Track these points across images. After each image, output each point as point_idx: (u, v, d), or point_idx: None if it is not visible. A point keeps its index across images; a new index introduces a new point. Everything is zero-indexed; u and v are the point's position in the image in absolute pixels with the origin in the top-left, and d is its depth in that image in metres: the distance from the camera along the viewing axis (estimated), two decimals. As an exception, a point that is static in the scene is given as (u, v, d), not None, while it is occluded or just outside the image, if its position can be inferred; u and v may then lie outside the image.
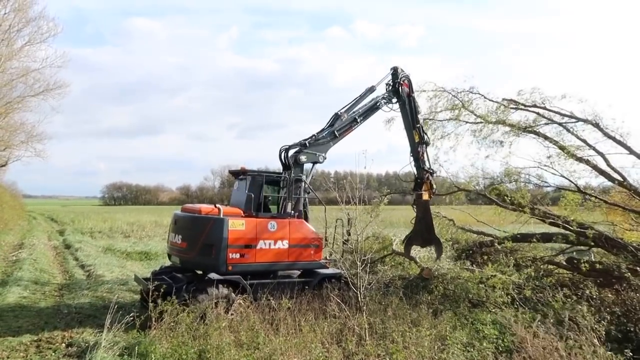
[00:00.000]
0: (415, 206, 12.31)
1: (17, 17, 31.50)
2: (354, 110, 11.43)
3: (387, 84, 12.03)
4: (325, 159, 10.97)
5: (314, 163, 10.91)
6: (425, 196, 12.01)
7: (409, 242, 12.16)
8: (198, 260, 9.77)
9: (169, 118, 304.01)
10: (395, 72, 12.01)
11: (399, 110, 12.18)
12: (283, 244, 10.12)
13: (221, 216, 9.69)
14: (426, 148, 12.26)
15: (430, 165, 12.29)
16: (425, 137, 12.26)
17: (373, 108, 11.68)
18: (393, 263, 13.02)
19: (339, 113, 11.22)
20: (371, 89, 11.75)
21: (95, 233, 29.65)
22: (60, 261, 18.52)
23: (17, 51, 32.08)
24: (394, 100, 12.06)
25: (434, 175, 12.44)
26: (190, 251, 9.78)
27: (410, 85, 12.18)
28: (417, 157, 12.11)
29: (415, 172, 12.21)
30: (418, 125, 12.14)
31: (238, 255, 9.63)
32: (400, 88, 11.91)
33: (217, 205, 10.07)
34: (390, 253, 13.15)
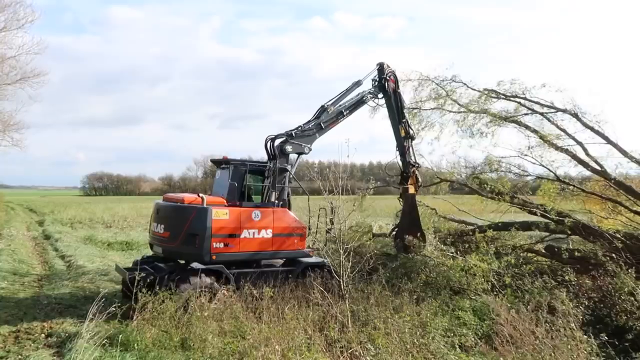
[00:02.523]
0: (401, 200, 12.50)
1: (-9, 3, 30.60)
2: (341, 103, 11.57)
3: (373, 79, 12.24)
4: (311, 150, 11.07)
5: (300, 154, 10.99)
6: (412, 190, 12.28)
7: (397, 236, 12.32)
8: (181, 249, 9.70)
9: (150, 108, 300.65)
10: (381, 67, 12.21)
11: (384, 105, 12.39)
12: (267, 233, 10.11)
13: (205, 205, 9.63)
14: (412, 142, 12.54)
15: (415, 159, 12.58)
16: (411, 131, 12.58)
17: (359, 102, 11.85)
18: (375, 251, 13.11)
19: (325, 106, 11.34)
20: (358, 83, 11.91)
21: (75, 223, 29.20)
22: (40, 252, 18.23)
23: (-9, 37, 31.18)
24: (380, 95, 12.28)
25: (419, 168, 12.65)
26: (173, 241, 9.69)
27: (396, 81, 12.42)
28: (403, 151, 12.39)
29: (401, 166, 12.49)
30: (404, 120, 12.42)
31: (222, 245, 9.58)
32: (386, 84, 12.14)
33: (200, 194, 10.00)
34: (370, 238, 13.29)
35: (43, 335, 8.29)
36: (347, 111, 11.54)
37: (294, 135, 10.75)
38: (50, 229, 25.23)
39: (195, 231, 9.44)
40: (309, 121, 11.21)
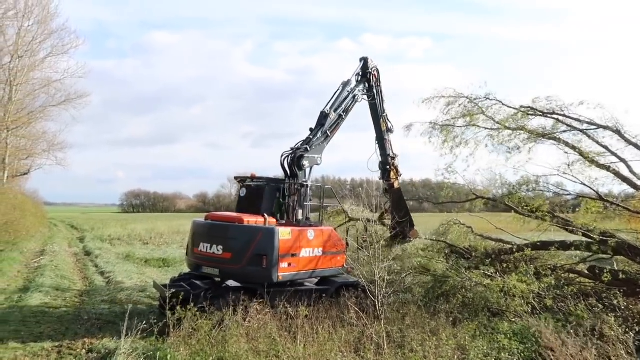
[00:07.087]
0: (387, 195, 13.19)
1: (40, 29, 32.37)
2: (337, 106, 11.68)
3: (357, 75, 12.41)
4: (322, 160, 11.16)
5: (312, 166, 11.04)
6: (397, 184, 12.90)
7: (393, 227, 12.79)
8: (246, 271, 9.57)
9: (185, 127, 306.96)
10: (365, 63, 12.47)
11: (372, 100, 12.73)
12: (319, 252, 10.28)
13: (271, 226, 9.70)
14: (390, 136, 13.16)
15: (393, 151, 13.17)
16: (390, 124, 13.13)
17: (353, 101, 12.08)
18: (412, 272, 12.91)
19: (326, 111, 11.37)
20: (347, 83, 12.07)
21: (114, 240, 29.98)
22: (81, 268, 18.77)
23: (39, 62, 32.90)
24: (368, 90, 12.55)
25: (397, 158, 13.27)
26: (236, 262, 9.56)
27: (378, 76, 12.73)
28: (383, 144, 12.98)
29: (381, 159, 13.11)
30: (384, 114, 12.92)
31: (286, 265, 9.66)
32: (371, 78, 12.42)
33: (265, 214, 9.98)
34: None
35: (84, 350, 8.52)
36: (345, 113, 11.77)
37: (308, 149, 10.81)
38: (90, 245, 25.97)
39: (262, 252, 9.41)
40: (316, 130, 11.22)
